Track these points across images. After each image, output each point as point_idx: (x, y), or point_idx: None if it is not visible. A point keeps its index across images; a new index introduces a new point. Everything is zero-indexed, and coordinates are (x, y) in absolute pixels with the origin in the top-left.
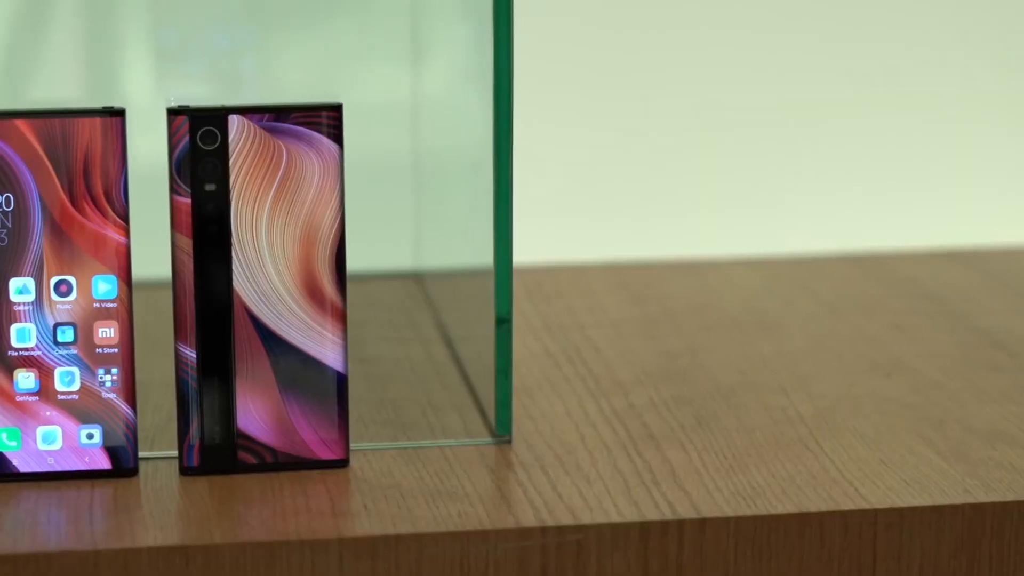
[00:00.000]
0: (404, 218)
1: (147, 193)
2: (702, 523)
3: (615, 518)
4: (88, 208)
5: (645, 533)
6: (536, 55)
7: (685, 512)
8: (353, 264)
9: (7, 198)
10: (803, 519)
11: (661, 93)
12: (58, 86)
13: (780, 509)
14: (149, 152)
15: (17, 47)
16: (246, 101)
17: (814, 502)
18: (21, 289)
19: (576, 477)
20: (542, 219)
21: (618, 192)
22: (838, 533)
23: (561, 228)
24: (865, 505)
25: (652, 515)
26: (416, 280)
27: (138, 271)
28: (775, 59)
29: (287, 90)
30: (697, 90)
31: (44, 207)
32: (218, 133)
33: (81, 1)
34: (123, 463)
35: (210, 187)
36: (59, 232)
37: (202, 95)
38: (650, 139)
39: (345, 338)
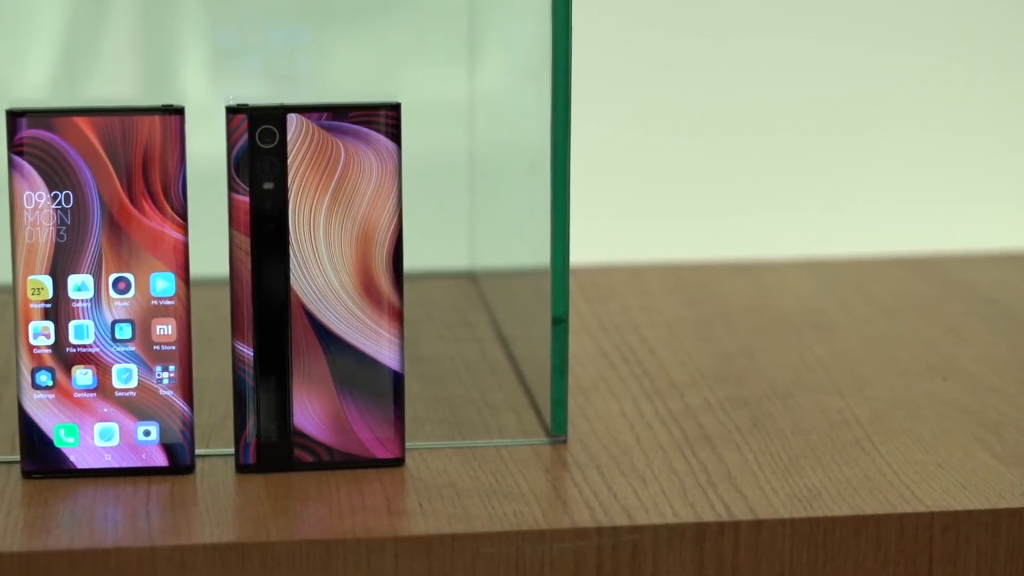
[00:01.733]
0: (459, 217)
1: (202, 191)
2: (758, 524)
3: (670, 519)
4: (147, 205)
5: (701, 534)
6: (593, 54)
7: (741, 513)
8: (408, 263)
9: (67, 195)
10: (859, 521)
11: (718, 95)
12: (115, 84)
13: (836, 511)
14: (205, 150)
15: (75, 45)
16: (302, 100)
17: (870, 504)
18: (80, 286)
19: (631, 477)
20: (597, 219)
21: (674, 193)
22: (894, 536)
23: (616, 228)
24: (921, 508)
25: (708, 516)
26: (471, 279)
27: (194, 269)
28: (831, 62)
29: (343, 89)
30: (754, 92)
31: (103, 204)
32: (277, 132)
33: (139, 0)
34: (180, 460)
35: (268, 185)
36: (118, 229)
37: (258, 94)
38: (706, 140)
39: (401, 337)
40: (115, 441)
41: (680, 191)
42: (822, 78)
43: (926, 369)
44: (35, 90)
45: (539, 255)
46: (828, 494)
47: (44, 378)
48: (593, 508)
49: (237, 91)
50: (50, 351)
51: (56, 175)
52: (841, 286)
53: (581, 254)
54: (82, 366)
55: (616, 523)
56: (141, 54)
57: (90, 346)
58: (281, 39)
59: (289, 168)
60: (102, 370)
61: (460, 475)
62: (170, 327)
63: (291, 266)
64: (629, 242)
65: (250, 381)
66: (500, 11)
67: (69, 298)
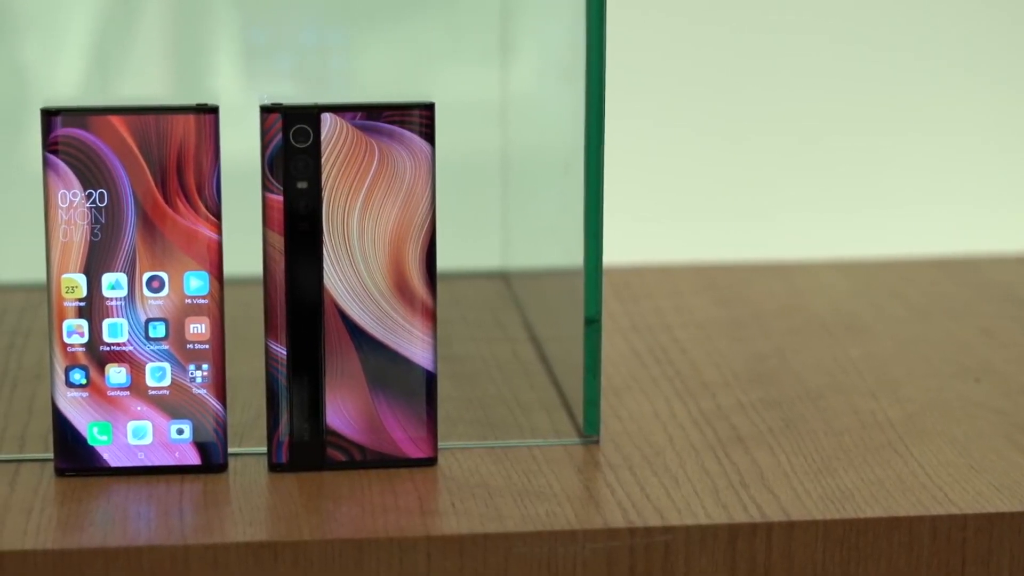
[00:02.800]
0: (492, 217)
1: (234, 190)
2: (790, 526)
3: (703, 520)
4: (180, 204)
5: (733, 535)
6: (626, 54)
7: (773, 515)
8: (441, 263)
9: (101, 194)
10: (892, 523)
11: (751, 96)
12: (147, 83)
13: (869, 513)
14: (236, 149)
15: (108, 44)
16: (335, 100)
17: (903, 506)
18: (114, 284)
19: (664, 478)
20: (629, 219)
21: (707, 193)
22: (927, 537)
23: (649, 229)
24: (954, 510)
25: (740, 517)
26: (503, 279)
27: (228, 267)
28: (863, 64)
29: (375, 89)
30: (786, 93)
31: (137, 203)
32: (311, 131)
33: None
34: (212, 459)
35: (302, 185)
36: (151, 228)
37: (290, 93)
38: (739, 141)
39: (434, 336)
40: (148, 439)
41: (713, 192)
42: (857, 79)
43: (959, 371)
44: (68, 88)
45: (572, 255)
46: (861, 495)
47: (78, 376)
48: (626, 508)
49: (269, 90)
50: (84, 349)
51: (91, 174)
52: (874, 287)
53: (613, 254)
54: (116, 364)
55: (649, 524)
56: (173, 53)
57: (124, 344)
58: (313, 38)
59: (323, 167)
60: (136, 368)
61: (492, 475)
62: (203, 326)
63: (324, 265)
64: (661, 242)
65: (283, 380)
66: (533, 10)
67: (103, 296)
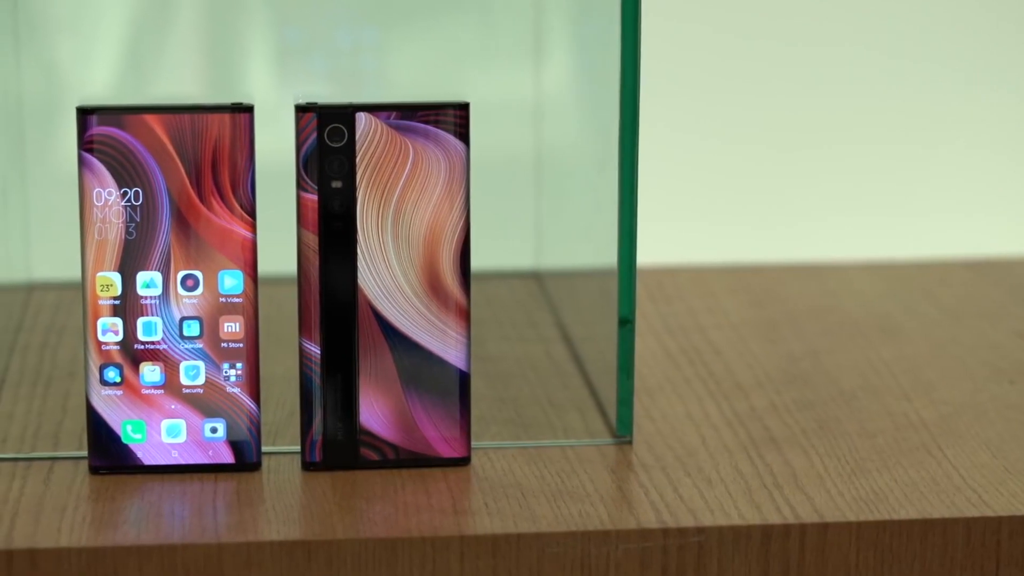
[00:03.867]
0: (525, 217)
1: (268, 189)
2: (824, 527)
3: (736, 520)
4: (215, 203)
5: (767, 536)
6: (659, 56)
7: (807, 516)
8: (474, 262)
9: (136, 192)
10: (926, 525)
11: (785, 98)
12: (181, 82)
13: (903, 515)
14: (270, 148)
15: (142, 44)
16: (369, 99)
17: (937, 508)
18: (148, 283)
19: (697, 479)
20: (662, 221)
21: (739, 194)
22: (961, 540)
23: (682, 230)
24: (989, 512)
25: (774, 518)
26: (536, 279)
27: (262, 266)
28: (895, 66)
29: (408, 89)
30: (819, 95)
31: (172, 202)
32: (345, 130)
33: None
34: (246, 457)
35: (337, 184)
36: (186, 227)
37: (323, 93)
38: (773, 143)
39: (468, 336)
40: (182, 438)
41: (745, 193)
42: (891, 84)
43: (993, 373)
44: (102, 88)
45: (605, 255)
46: (894, 497)
47: (112, 374)
48: (659, 509)
49: (303, 90)
50: (118, 347)
51: (126, 172)
52: (907, 289)
53: (646, 255)
54: (150, 363)
55: (682, 524)
56: (207, 53)
57: (158, 343)
58: (347, 38)
59: (357, 167)
60: (170, 367)
61: (525, 475)
62: (238, 324)
63: (359, 264)
64: (694, 243)
65: (317, 379)
66: (567, 9)
67: (137, 295)
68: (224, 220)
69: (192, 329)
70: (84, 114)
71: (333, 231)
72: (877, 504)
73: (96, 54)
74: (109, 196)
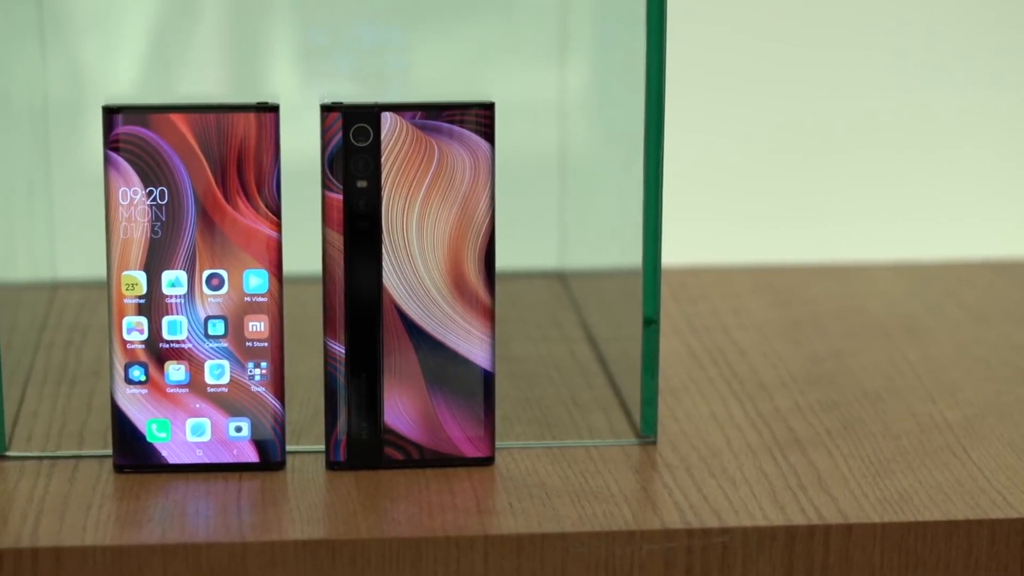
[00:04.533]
0: (549, 217)
1: (292, 188)
2: (848, 528)
3: (761, 521)
4: (240, 202)
5: (791, 537)
6: (683, 57)
7: (831, 517)
8: (498, 262)
9: (161, 191)
10: (950, 527)
11: (809, 99)
12: (205, 82)
13: (927, 516)
14: (295, 148)
15: (166, 43)
16: (393, 99)
17: (961, 510)
18: (173, 282)
19: (721, 479)
20: (686, 221)
21: (763, 195)
22: (985, 541)
23: (706, 230)
24: (1014, 514)
25: (798, 519)
26: (560, 279)
27: (286, 265)
28: (921, 68)
29: (433, 88)
30: (844, 97)
31: (197, 201)
32: (371, 130)
33: None
34: (271, 456)
35: (362, 183)
36: (211, 226)
37: (348, 93)
38: (797, 144)
39: (493, 335)
40: (207, 437)
41: (769, 194)
42: (907, 82)
43: (1017, 374)
44: (126, 87)
45: (630, 256)
46: (919, 498)
47: (137, 373)
48: (683, 509)
49: (327, 90)
50: (143, 346)
51: (151, 171)
52: (931, 290)
53: (669, 255)
54: (175, 362)
55: (706, 525)
56: (231, 52)
57: (183, 342)
58: (371, 38)
59: (383, 166)
60: (195, 366)
61: (549, 475)
62: (263, 324)
63: (384, 264)
64: (718, 244)
65: (341, 378)
66: (591, 8)
67: (163, 294)
68: (249, 219)
69: (217, 328)
70: (110, 113)
71: (358, 230)
72: (901, 505)
73: (121, 53)
74: (135, 195)
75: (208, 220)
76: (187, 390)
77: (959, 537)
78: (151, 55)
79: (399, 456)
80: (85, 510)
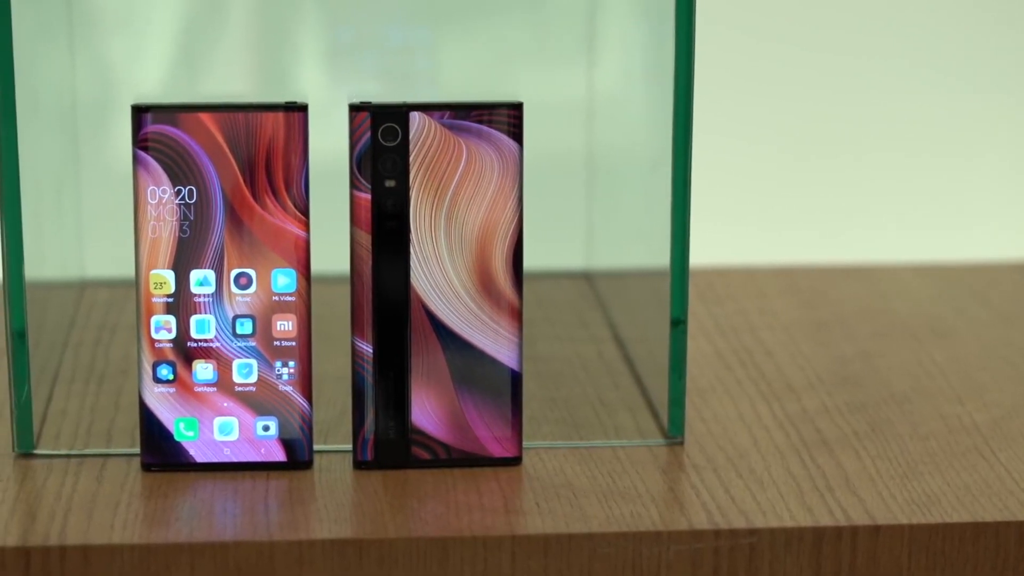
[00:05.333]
0: (577, 217)
1: (320, 187)
2: (876, 530)
3: (788, 522)
4: (269, 202)
5: (818, 538)
6: (711, 57)
7: (859, 518)
8: (526, 262)
9: (190, 190)
10: (978, 528)
11: (836, 100)
12: (232, 81)
13: (955, 518)
14: (322, 147)
15: (195, 42)
16: (420, 99)
17: (989, 511)
18: (202, 281)
19: (749, 480)
20: (713, 221)
21: (790, 196)
22: (1013, 543)
23: (733, 231)
24: None
25: (825, 520)
26: (587, 279)
27: (314, 265)
28: (946, 70)
29: (461, 88)
30: (871, 99)
31: (226, 200)
32: (399, 130)
33: None
34: (298, 455)
35: (390, 183)
36: (240, 225)
37: (375, 92)
38: (823, 145)
39: (520, 336)
40: (234, 435)
41: (796, 195)
42: (934, 84)
43: None
44: (154, 86)
45: (657, 256)
46: (947, 500)
47: (165, 372)
48: (710, 510)
49: (355, 89)
50: (171, 345)
51: (180, 170)
52: (957, 291)
53: (696, 256)
54: (203, 360)
55: (733, 526)
56: (259, 51)
57: (211, 341)
58: (399, 37)
59: (411, 166)
60: (222, 365)
61: (577, 475)
62: (291, 323)
63: (411, 264)
64: (745, 245)
65: (369, 378)
66: (620, 9)
67: (191, 293)
68: (278, 219)
69: (245, 327)
70: (139, 112)
71: (386, 230)
72: (929, 507)
73: (149, 52)
74: (163, 194)
75: (236, 219)
76: (215, 389)
77: (987, 539)
78: (179, 54)
79: (426, 456)
80: (113, 508)
